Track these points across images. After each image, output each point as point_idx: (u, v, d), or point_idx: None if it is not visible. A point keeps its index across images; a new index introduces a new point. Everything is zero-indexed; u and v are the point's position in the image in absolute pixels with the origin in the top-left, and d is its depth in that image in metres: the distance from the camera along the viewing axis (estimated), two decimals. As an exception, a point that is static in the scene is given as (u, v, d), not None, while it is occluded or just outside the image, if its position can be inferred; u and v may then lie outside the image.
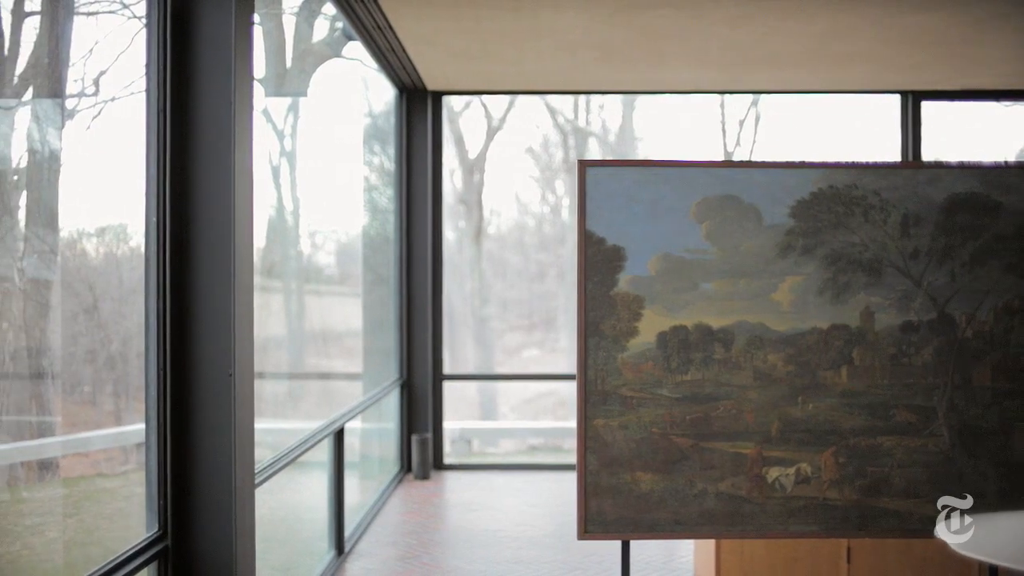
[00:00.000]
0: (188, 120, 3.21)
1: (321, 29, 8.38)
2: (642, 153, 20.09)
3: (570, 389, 15.93)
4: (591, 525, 4.08)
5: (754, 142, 19.25)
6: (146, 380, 3.15)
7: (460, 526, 6.88)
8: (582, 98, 19.64)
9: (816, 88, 8.64)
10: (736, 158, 18.79)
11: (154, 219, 3.14)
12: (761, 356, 4.12)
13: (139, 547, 3.03)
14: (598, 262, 4.09)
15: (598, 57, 7.46)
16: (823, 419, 4.11)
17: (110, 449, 6.96)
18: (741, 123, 19.22)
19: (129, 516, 5.64)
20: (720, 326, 4.12)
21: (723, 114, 19.26)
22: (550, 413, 19.07)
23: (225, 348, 3.14)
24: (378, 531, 6.68)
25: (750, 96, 17.66)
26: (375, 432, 8.16)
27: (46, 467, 6.02)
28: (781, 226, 4.14)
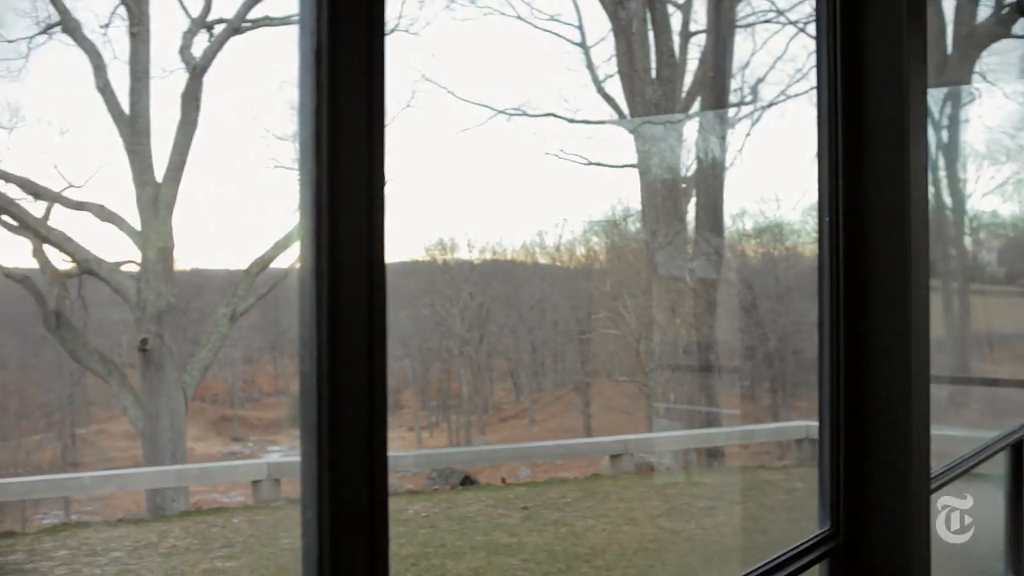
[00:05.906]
0: (859, 118, 3.19)
1: (986, 8, 7.82)
2: None
3: None
4: None
5: None
6: (819, 378, 3.19)
7: None
8: None
9: None
10: None
11: (827, 219, 3.17)
12: None
13: (813, 542, 3.07)
14: None
15: None
16: None
17: (768, 443, 7.25)
18: None
19: (791, 509, 5.79)
20: None
21: None
22: None
23: (903, 349, 3.06)
24: (1057, 557, 6.01)
25: None
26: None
27: (713, 455, 6.45)
28: None
